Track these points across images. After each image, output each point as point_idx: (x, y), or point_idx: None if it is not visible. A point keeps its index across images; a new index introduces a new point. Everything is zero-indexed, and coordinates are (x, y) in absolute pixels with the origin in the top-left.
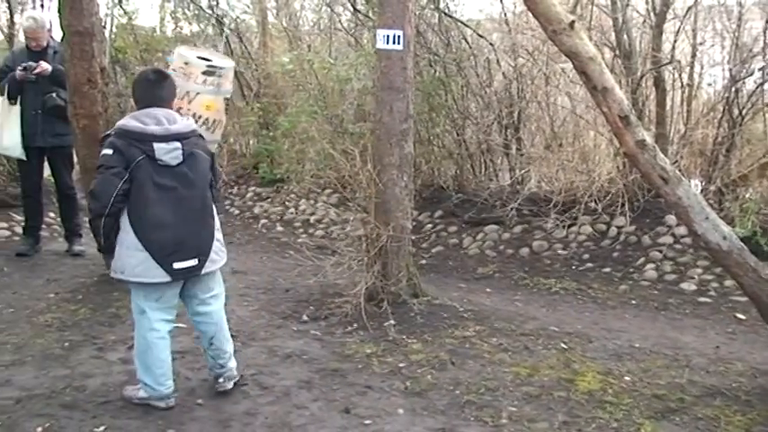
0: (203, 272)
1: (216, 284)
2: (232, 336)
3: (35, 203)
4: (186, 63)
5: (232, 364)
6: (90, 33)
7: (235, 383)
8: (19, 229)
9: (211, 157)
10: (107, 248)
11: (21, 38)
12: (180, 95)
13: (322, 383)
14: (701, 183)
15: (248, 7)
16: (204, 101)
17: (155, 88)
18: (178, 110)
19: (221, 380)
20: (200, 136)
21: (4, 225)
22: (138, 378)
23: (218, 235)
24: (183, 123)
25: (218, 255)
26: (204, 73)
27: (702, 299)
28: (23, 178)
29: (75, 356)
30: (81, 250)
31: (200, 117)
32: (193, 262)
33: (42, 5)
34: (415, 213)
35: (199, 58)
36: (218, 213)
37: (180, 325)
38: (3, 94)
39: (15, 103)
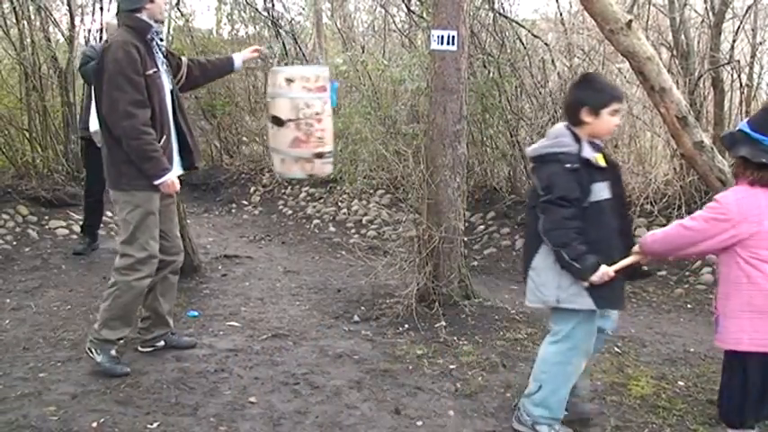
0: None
1: (554, 324)
2: (283, 335)
3: (96, 204)
4: (318, 76)
5: (527, 405)
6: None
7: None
8: (77, 228)
9: (543, 186)
10: None
11: (81, 40)
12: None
13: (372, 384)
14: None
15: (303, 9)
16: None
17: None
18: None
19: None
20: (548, 159)
21: (62, 224)
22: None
23: (533, 274)
24: (538, 144)
25: (532, 294)
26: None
27: None
28: (91, 180)
29: (130, 353)
30: None
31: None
32: None
33: (102, 8)
34: (467, 215)
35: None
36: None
37: (233, 323)
38: (88, 84)
39: None
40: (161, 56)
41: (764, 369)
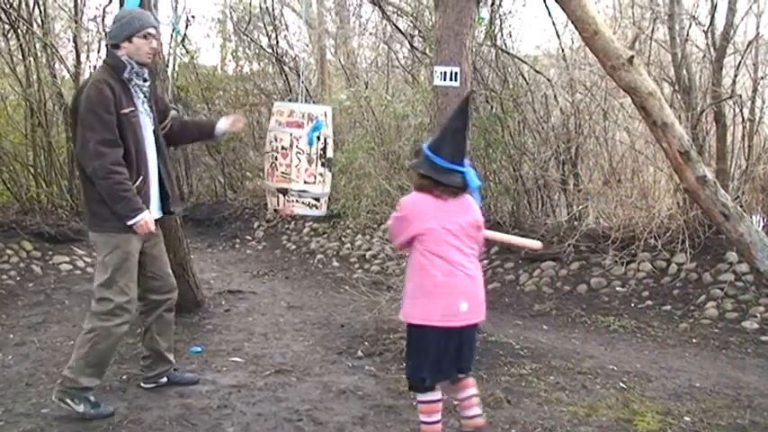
0: None
1: None
2: (287, 370)
3: None
4: (293, 111)
5: None
6: (152, 72)
7: None
8: (81, 263)
9: None
10: None
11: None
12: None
13: (376, 420)
14: (764, 219)
15: (307, 46)
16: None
17: None
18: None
19: None
20: None
21: (66, 259)
22: None
23: None
24: None
25: None
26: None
27: (765, 338)
28: None
29: (133, 389)
30: None
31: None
32: None
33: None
34: None
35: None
36: None
37: (236, 359)
38: None
39: None
40: (142, 96)
41: (440, 340)
